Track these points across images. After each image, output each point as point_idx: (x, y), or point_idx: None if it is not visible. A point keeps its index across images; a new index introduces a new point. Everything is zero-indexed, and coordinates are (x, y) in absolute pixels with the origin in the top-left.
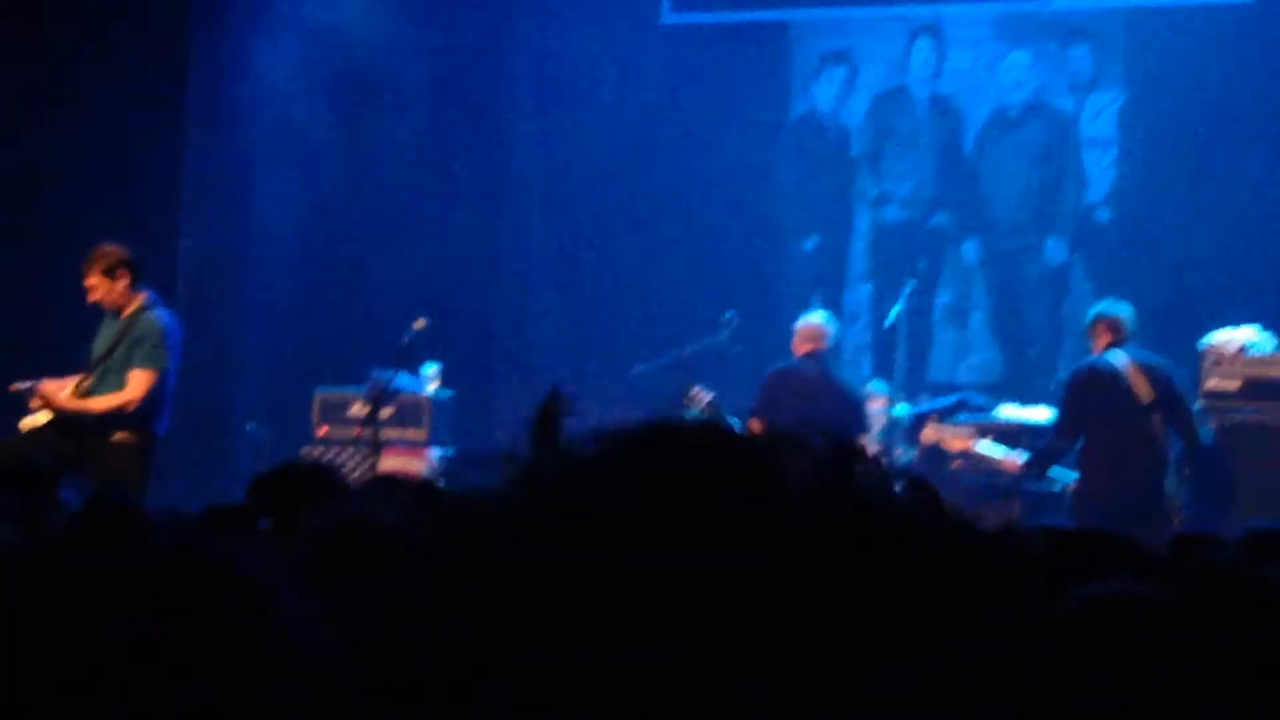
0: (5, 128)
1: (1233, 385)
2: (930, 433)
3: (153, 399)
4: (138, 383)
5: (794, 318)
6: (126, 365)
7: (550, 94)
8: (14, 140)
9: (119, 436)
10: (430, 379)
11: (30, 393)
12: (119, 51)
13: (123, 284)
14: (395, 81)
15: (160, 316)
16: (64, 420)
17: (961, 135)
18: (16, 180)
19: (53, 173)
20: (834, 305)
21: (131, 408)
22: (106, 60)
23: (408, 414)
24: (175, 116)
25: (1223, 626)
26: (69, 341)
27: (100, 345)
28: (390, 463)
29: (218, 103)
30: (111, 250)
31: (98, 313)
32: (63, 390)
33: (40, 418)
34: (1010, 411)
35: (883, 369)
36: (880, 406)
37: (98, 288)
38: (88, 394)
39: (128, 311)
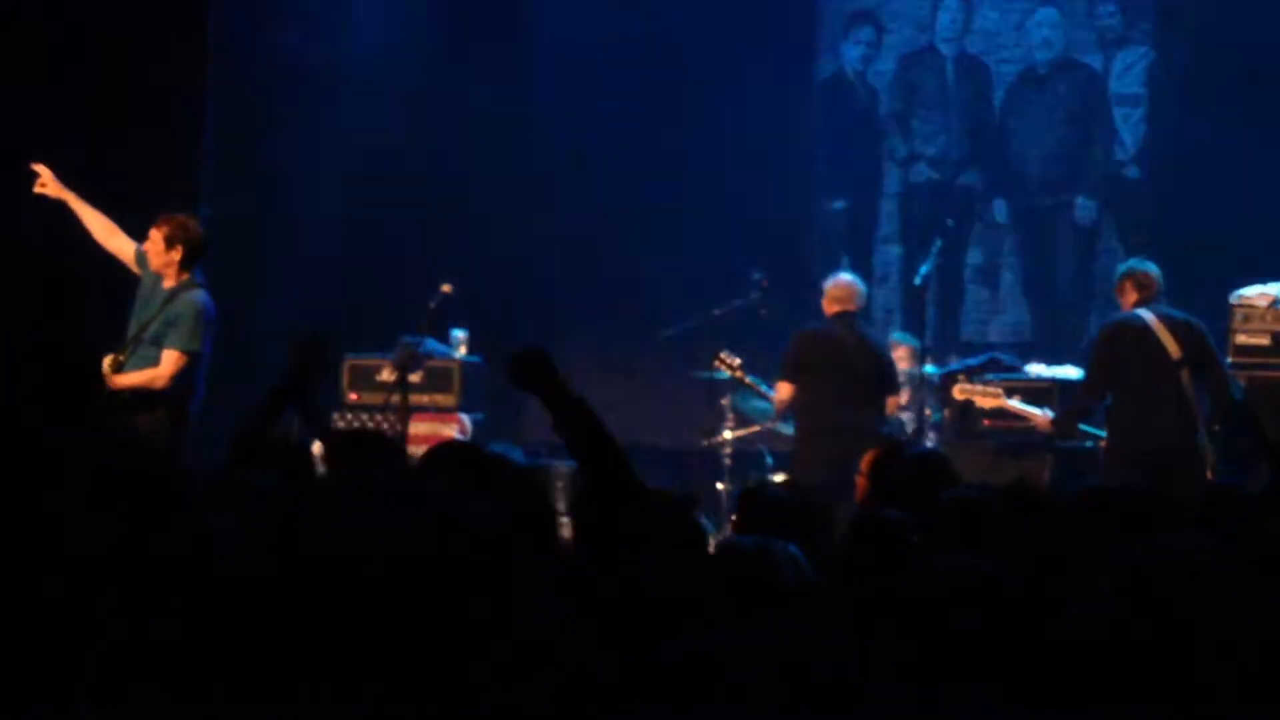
0: (19, 98)
1: (1263, 341)
2: (960, 391)
3: (184, 379)
4: (168, 362)
5: (823, 279)
6: (159, 343)
7: (575, 57)
8: (28, 112)
9: (152, 414)
10: (459, 343)
11: None
12: (138, 18)
13: (175, 257)
14: (419, 41)
15: (200, 298)
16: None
17: (990, 94)
18: (32, 153)
19: (69, 143)
20: (863, 266)
21: (158, 386)
22: (126, 27)
23: (437, 379)
24: (196, 81)
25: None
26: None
27: (135, 321)
28: (420, 428)
29: (239, 68)
30: (185, 224)
31: (114, 283)
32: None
33: None
34: (1039, 369)
35: (913, 328)
36: (904, 356)
37: (153, 244)
38: (120, 369)
39: (169, 284)
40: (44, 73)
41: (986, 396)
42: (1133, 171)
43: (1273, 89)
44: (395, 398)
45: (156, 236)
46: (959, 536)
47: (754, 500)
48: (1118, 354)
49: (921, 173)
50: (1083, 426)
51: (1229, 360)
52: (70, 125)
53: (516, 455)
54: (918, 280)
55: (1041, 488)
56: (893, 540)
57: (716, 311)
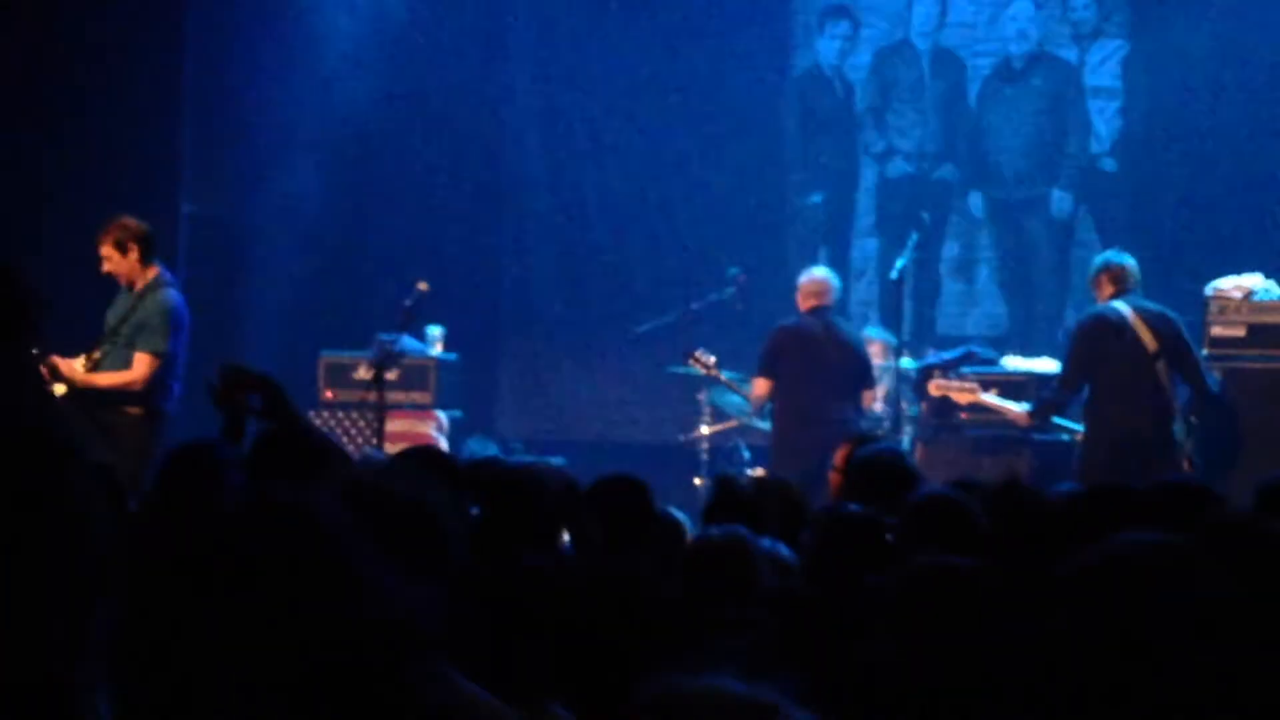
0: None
1: (1238, 332)
2: (937, 385)
3: (158, 379)
4: (140, 365)
5: (800, 273)
6: (131, 345)
7: (550, 51)
8: (11, 112)
9: (127, 413)
10: (435, 341)
11: (40, 364)
12: (116, 18)
13: (133, 258)
14: (394, 43)
15: (168, 297)
16: (74, 394)
17: (965, 87)
18: (13, 151)
19: (51, 142)
20: (841, 260)
21: (134, 388)
22: (104, 27)
23: (413, 377)
24: (173, 83)
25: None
26: (68, 310)
27: (112, 317)
28: (396, 425)
29: (217, 69)
30: (126, 224)
31: (94, 281)
32: (73, 363)
33: (55, 389)
34: (1016, 362)
35: (889, 322)
36: (879, 350)
37: (109, 259)
38: (96, 366)
39: (138, 287)
40: (20, 76)
41: (962, 392)
42: (1108, 164)
43: (1246, 80)
44: (372, 395)
45: (107, 250)
46: (935, 534)
47: (724, 494)
48: (1094, 347)
49: (898, 166)
50: (1058, 420)
51: (1204, 352)
52: (51, 129)
53: (492, 451)
54: (894, 274)
55: (1026, 485)
56: (865, 537)
57: (694, 306)
